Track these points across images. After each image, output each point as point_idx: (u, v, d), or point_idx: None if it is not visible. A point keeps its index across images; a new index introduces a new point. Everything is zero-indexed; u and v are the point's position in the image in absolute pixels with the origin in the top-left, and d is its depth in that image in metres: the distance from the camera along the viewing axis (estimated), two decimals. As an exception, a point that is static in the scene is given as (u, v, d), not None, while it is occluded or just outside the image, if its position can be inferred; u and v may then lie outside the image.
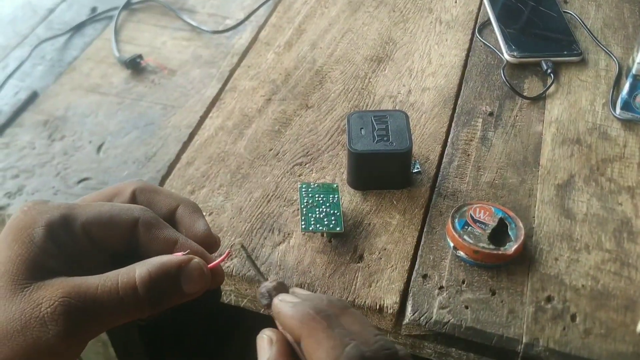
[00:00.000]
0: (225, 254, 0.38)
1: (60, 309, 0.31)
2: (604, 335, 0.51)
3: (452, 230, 0.55)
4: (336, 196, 0.58)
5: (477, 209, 0.57)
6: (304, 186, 0.59)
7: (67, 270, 0.34)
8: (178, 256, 0.35)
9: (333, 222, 0.56)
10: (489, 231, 0.55)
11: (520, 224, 0.56)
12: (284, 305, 0.34)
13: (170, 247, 0.36)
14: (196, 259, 0.35)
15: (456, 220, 0.56)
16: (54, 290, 0.32)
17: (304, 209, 0.57)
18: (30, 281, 0.32)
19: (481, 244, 0.54)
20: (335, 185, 0.59)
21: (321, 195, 0.58)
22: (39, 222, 0.34)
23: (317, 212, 0.56)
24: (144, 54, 0.78)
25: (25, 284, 0.32)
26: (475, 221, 0.56)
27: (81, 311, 0.32)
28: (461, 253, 0.55)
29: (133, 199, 0.38)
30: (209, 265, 0.36)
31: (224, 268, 0.55)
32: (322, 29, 0.83)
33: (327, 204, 0.57)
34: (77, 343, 0.33)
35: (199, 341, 1.09)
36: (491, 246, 0.54)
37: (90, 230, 0.35)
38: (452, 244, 0.56)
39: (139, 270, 0.33)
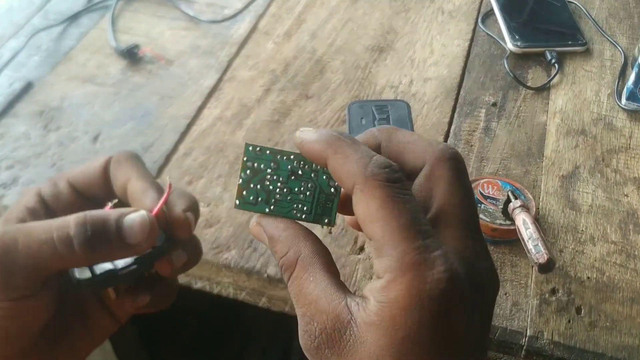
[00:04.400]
0: (167, 191, 0.35)
1: None
2: (610, 328, 0.50)
3: None
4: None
5: (485, 185, 0.57)
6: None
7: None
8: (126, 209, 0.33)
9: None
10: (500, 206, 0.55)
11: (529, 195, 0.56)
12: (306, 132, 0.32)
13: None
14: (145, 213, 0.33)
15: None
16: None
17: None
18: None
19: (498, 221, 0.54)
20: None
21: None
22: (33, 190, 0.37)
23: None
24: (141, 44, 0.76)
25: None
26: (485, 197, 0.56)
27: (10, 257, 0.32)
28: None
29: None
30: (154, 212, 0.34)
31: (222, 262, 0.54)
32: (322, 19, 0.82)
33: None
34: (8, 293, 0.32)
35: (196, 337, 1.08)
36: (507, 222, 0.54)
37: (74, 183, 0.37)
38: None
39: (74, 220, 0.32)
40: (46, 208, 0.36)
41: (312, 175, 0.33)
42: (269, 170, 0.32)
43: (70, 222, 0.32)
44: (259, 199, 0.33)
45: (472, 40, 0.79)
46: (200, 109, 0.69)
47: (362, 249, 0.55)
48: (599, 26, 0.79)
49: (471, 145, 0.64)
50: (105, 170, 0.37)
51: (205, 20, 0.81)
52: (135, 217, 0.33)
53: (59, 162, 0.63)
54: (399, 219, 0.28)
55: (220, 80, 0.73)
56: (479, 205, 0.55)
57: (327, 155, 0.30)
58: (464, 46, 0.77)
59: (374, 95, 0.70)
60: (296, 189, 0.32)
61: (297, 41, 0.78)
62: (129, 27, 0.81)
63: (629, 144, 0.65)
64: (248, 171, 0.33)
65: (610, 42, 0.77)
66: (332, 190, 0.33)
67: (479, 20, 0.81)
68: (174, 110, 0.69)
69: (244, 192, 0.33)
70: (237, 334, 1.11)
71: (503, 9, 0.81)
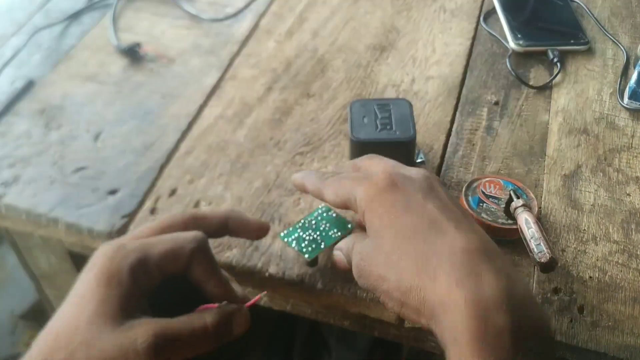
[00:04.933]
0: (257, 297, 0.46)
1: (153, 345, 0.39)
2: (612, 328, 0.49)
3: (469, 209, 0.55)
4: (339, 234, 0.52)
5: (487, 184, 0.57)
6: (322, 208, 0.55)
7: (144, 305, 0.42)
8: (233, 306, 0.44)
9: (310, 249, 0.51)
10: (502, 205, 0.55)
11: (532, 194, 0.56)
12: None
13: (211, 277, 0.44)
14: (243, 308, 0.45)
15: (470, 199, 0.55)
16: (147, 329, 0.39)
17: (301, 223, 0.54)
18: (124, 320, 0.40)
19: (500, 220, 0.54)
20: (350, 226, 0.53)
21: (327, 225, 0.53)
22: (124, 268, 0.41)
23: (308, 234, 0.53)
24: (143, 42, 0.76)
25: (121, 322, 0.40)
26: (487, 197, 0.56)
27: (167, 347, 0.40)
28: None
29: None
30: (247, 304, 0.45)
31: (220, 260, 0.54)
32: (324, 17, 0.82)
33: (323, 234, 0.53)
34: None
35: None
36: (510, 221, 0.54)
37: (161, 266, 0.42)
38: None
39: (211, 318, 0.43)
40: (139, 287, 0.42)
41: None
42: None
43: (208, 320, 0.42)
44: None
45: (474, 39, 0.78)
46: (201, 108, 0.69)
47: (363, 248, 0.54)
48: (601, 25, 0.79)
49: (473, 144, 0.64)
50: (190, 260, 0.43)
51: (207, 18, 0.81)
52: (240, 319, 0.45)
53: (60, 160, 0.63)
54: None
55: (221, 78, 0.73)
56: (482, 204, 0.55)
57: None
58: (466, 45, 0.77)
59: (376, 94, 0.70)
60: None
61: (298, 40, 0.78)
62: (130, 26, 0.81)
63: (631, 143, 0.64)
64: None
65: (613, 41, 0.77)
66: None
67: (481, 19, 0.81)
68: (175, 109, 0.69)
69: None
70: (237, 339, 1.11)
71: (505, 8, 0.81)
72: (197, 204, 0.58)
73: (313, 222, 0.54)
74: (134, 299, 0.41)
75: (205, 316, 0.43)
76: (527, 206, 0.54)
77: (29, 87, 0.72)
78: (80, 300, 0.41)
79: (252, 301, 0.46)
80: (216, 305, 0.44)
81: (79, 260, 0.68)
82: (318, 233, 0.53)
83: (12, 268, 1.19)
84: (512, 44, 0.76)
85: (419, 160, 0.62)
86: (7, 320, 1.17)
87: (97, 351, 0.39)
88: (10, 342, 1.17)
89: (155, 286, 0.43)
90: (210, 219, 0.47)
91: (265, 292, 0.48)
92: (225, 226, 0.48)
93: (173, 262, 0.43)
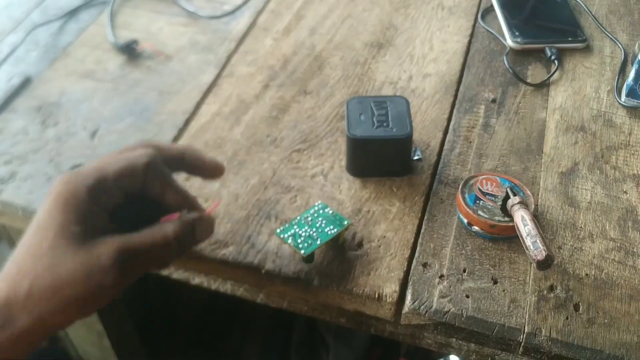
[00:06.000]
0: (215, 203, 0.52)
1: (117, 259, 0.41)
2: (608, 325, 0.50)
3: (465, 206, 0.55)
4: (335, 230, 0.53)
5: (484, 181, 0.57)
6: (319, 205, 0.55)
7: (106, 223, 0.44)
8: (194, 214, 0.46)
9: (306, 245, 0.51)
10: (499, 203, 0.55)
11: (528, 192, 0.56)
12: None
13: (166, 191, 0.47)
14: (204, 215, 0.47)
15: (466, 196, 0.55)
16: (110, 246, 0.42)
17: (297, 219, 0.54)
18: (86, 240, 0.42)
19: (496, 218, 0.54)
20: (346, 223, 0.54)
21: (324, 221, 0.54)
22: (81, 189, 0.43)
23: (304, 230, 0.53)
24: (140, 39, 0.76)
25: (84, 241, 0.42)
26: (484, 194, 0.56)
27: (131, 260, 0.42)
28: (476, 228, 0.55)
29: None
30: (208, 210, 0.48)
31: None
32: (321, 15, 0.82)
33: (319, 231, 0.53)
34: (123, 283, 0.43)
35: (195, 332, 1.08)
36: (506, 218, 0.54)
37: (119, 183, 0.44)
38: (465, 220, 0.55)
39: (172, 228, 0.44)
40: (98, 205, 0.44)
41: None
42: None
43: (169, 230, 0.44)
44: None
45: (471, 36, 0.78)
46: (198, 105, 0.69)
47: (360, 245, 0.55)
48: (599, 23, 0.79)
49: (470, 142, 0.64)
50: (145, 174, 0.45)
51: (205, 16, 0.81)
52: (202, 225, 0.47)
53: (57, 157, 0.63)
54: None
55: (218, 76, 0.73)
56: (478, 201, 0.55)
57: None
58: (463, 42, 0.77)
59: (373, 91, 0.70)
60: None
61: (296, 37, 0.78)
62: (127, 23, 0.81)
63: (629, 141, 0.64)
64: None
65: (610, 38, 0.77)
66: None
67: (479, 16, 0.81)
68: (172, 106, 0.69)
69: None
70: (236, 328, 1.11)
71: (503, 5, 0.81)
72: (193, 201, 0.58)
73: (309, 218, 0.54)
74: (95, 219, 0.43)
75: (166, 227, 0.45)
76: (523, 203, 0.54)
77: (26, 83, 0.72)
78: (40, 228, 0.42)
79: (211, 207, 0.50)
80: (177, 215, 0.46)
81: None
82: (314, 229, 0.53)
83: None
84: (509, 42, 0.75)
85: (415, 158, 0.62)
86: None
87: (62, 273, 0.41)
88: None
89: (116, 206, 0.45)
90: (167, 151, 0.48)
91: (220, 200, 0.55)
92: (182, 160, 0.48)
93: (129, 178, 0.45)
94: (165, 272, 0.58)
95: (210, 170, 0.50)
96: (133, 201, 0.46)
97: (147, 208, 0.47)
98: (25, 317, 0.41)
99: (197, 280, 0.58)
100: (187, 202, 0.47)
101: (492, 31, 0.78)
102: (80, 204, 0.42)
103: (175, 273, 0.58)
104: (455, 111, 0.68)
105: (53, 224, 0.42)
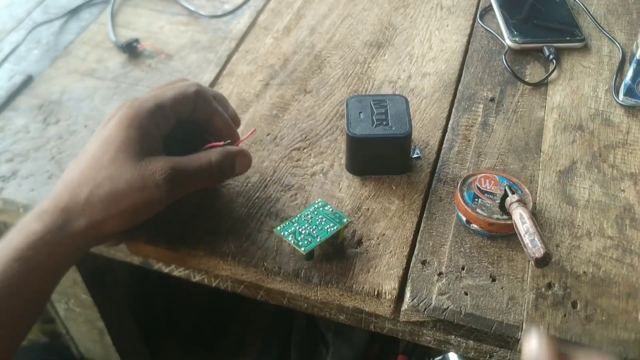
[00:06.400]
0: (250, 132, 0.58)
1: (169, 177, 0.48)
2: (605, 323, 0.50)
3: (464, 204, 0.55)
4: (335, 227, 0.53)
5: (482, 179, 0.57)
6: (319, 203, 0.56)
7: (160, 146, 0.50)
8: (235, 149, 0.53)
9: (306, 242, 0.52)
10: (498, 201, 0.55)
11: (527, 190, 0.57)
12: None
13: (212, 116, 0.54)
14: (244, 152, 0.54)
15: (465, 194, 0.56)
16: (164, 164, 0.48)
17: (297, 217, 0.54)
18: (144, 157, 0.48)
19: (495, 216, 0.54)
20: (346, 220, 0.54)
21: (323, 219, 0.54)
22: (143, 112, 0.49)
23: (304, 228, 0.53)
24: (141, 38, 0.76)
25: (142, 158, 0.48)
26: (483, 192, 0.56)
27: (179, 179, 0.49)
28: (475, 226, 0.55)
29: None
30: (240, 140, 0.57)
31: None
32: (321, 14, 0.82)
33: (319, 228, 0.53)
34: (172, 198, 0.49)
35: (195, 330, 1.08)
36: (504, 216, 0.54)
37: (174, 109, 0.51)
38: (464, 218, 0.55)
39: (213, 157, 0.51)
40: (157, 128, 0.50)
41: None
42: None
43: (213, 158, 0.51)
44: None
45: (470, 35, 0.79)
46: (199, 104, 0.69)
47: (360, 242, 0.55)
48: (597, 22, 0.80)
49: (469, 140, 0.65)
50: (195, 100, 0.53)
51: (205, 14, 0.82)
52: (243, 158, 0.54)
53: (58, 155, 0.63)
54: None
55: (219, 75, 0.73)
56: (477, 199, 0.56)
57: None
58: (462, 42, 0.78)
59: (373, 90, 0.70)
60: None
61: (296, 36, 0.78)
62: (128, 22, 0.81)
63: (626, 140, 0.65)
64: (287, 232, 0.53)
65: (609, 38, 0.77)
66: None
67: (478, 16, 0.82)
68: (173, 105, 0.69)
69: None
70: (237, 326, 1.11)
71: (502, 5, 0.81)
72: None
73: (309, 216, 0.54)
74: (153, 140, 0.49)
75: (210, 154, 0.51)
76: (522, 201, 0.54)
77: (27, 82, 0.72)
78: (103, 142, 0.48)
79: (246, 136, 0.57)
80: (221, 143, 0.53)
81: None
82: (314, 227, 0.53)
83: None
84: (508, 41, 0.76)
85: (415, 156, 0.62)
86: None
87: (120, 184, 0.47)
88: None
89: (169, 130, 0.51)
90: (207, 100, 0.54)
91: (254, 130, 0.61)
92: (214, 114, 0.55)
93: (183, 104, 0.52)
94: (165, 269, 0.59)
95: (232, 116, 0.57)
96: (182, 129, 0.53)
97: (194, 137, 0.54)
98: (82, 221, 0.47)
99: (197, 277, 0.59)
100: (229, 128, 0.55)
101: (490, 30, 0.79)
102: (141, 125, 0.48)
103: (176, 271, 0.59)
104: (454, 110, 0.68)
105: (117, 139, 0.48)
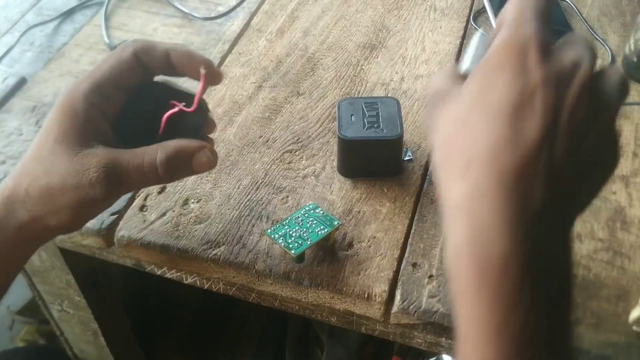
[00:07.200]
0: (202, 78, 0.46)
1: (103, 175, 0.43)
2: (595, 325, 0.50)
3: None
4: (326, 230, 0.53)
5: None
6: (310, 206, 0.56)
7: (107, 132, 0.46)
8: (192, 144, 0.45)
9: (296, 245, 0.52)
10: None
11: None
12: None
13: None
14: (206, 149, 0.46)
15: None
16: (99, 160, 0.43)
17: (288, 219, 0.54)
18: (81, 148, 0.44)
19: None
20: (336, 223, 0.54)
21: (314, 222, 0.54)
22: (77, 97, 0.44)
23: (294, 230, 0.53)
24: (135, 40, 0.76)
25: (78, 150, 0.43)
26: None
27: (116, 178, 0.44)
28: None
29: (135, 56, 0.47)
30: (196, 99, 0.46)
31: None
32: (314, 16, 0.82)
33: (310, 231, 0.53)
34: (112, 198, 0.46)
35: (190, 331, 1.08)
36: None
37: (114, 82, 0.46)
38: None
39: (159, 155, 0.44)
40: (92, 104, 0.45)
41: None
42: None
43: (159, 157, 0.44)
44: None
45: (463, 37, 0.79)
46: (192, 106, 0.69)
47: (350, 245, 0.55)
48: (589, 25, 0.80)
49: (461, 143, 0.65)
50: (138, 63, 0.46)
51: (199, 17, 0.82)
52: (202, 157, 0.46)
53: (51, 158, 0.63)
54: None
55: (212, 76, 0.73)
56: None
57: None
58: (455, 44, 0.78)
59: (365, 93, 0.70)
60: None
61: (289, 38, 0.78)
62: (122, 24, 0.81)
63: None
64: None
65: (598, 40, 0.77)
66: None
67: (471, 18, 0.82)
68: (166, 107, 0.69)
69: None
70: (232, 327, 1.11)
71: (495, 7, 0.81)
72: (185, 201, 0.59)
73: (300, 219, 0.54)
74: (94, 126, 0.45)
75: (158, 150, 0.45)
76: None
77: (20, 84, 0.72)
78: (44, 133, 0.45)
79: (200, 86, 0.46)
80: (176, 109, 0.46)
81: (70, 257, 0.68)
82: (305, 229, 0.53)
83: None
84: (501, 43, 0.76)
85: (406, 159, 0.62)
86: (4, 316, 1.17)
87: (55, 178, 0.43)
88: (8, 337, 1.17)
89: (119, 108, 0.46)
90: (154, 50, 0.47)
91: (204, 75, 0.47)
92: (167, 58, 0.47)
93: (124, 72, 0.46)
94: (157, 271, 0.59)
95: (197, 65, 0.47)
96: (143, 101, 0.47)
97: (160, 107, 0.46)
98: (24, 212, 0.44)
99: (189, 279, 0.59)
100: (191, 61, 0.46)
101: (484, 33, 0.79)
102: (77, 112, 0.44)
103: (168, 273, 0.59)
104: (446, 112, 0.68)
105: (54, 130, 0.44)
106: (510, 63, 0.33)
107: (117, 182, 0.44)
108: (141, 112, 0.47)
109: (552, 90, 0.32)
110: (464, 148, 0.34)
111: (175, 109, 0.46)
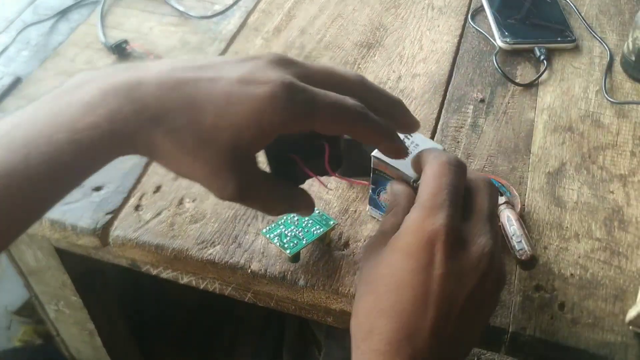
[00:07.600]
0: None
1: (236, 195, 0.41)
2: (592, 325, 0.50)
3: None
4: (321, 230, 0.53)
5: None
6: None
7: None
8: (306, 200, 0.46)
9: (292, 244, 0.52)
10: None
11: (515, 192, 0.57)
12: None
13: None
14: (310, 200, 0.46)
15: None
16: (239, 183, 0.40)
17: (284, 219, 0.54)
18: (236, 161, 0.40)
19: None
20: (332, 223, 0.54)
21: (310, 222, 0.54)
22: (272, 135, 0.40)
23: (290, 230, 0.53)
24: (131, 39, 0.76)
25: (233, 161, 0.40)
26: None
27: (244, 201, 0.42)
28: None
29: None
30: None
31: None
32: (311, 15, 0.82)
33: (305, 231, 0.53)
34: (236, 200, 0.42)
35: (187, 332, 1.08)
36: None
37: (257, 145, 0.41)
38: None
39: (280, 208, 0.45)
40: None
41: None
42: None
43: (276, 206, 0.44)
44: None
45: (461, 36, 0.79)
46: (188, 105, 0.69)
47: (346, 245, 0.55)
48: (588, 24, 0.79)
49: (458, 142, 0.64)
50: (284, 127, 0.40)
51: (195, 15, 0.81)
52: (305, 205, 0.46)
53: (46, 157, 0.63)
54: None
55: (208, 75, 0.73)
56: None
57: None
58: (453, 42, 0.77)
59: (362, 92, 0.70)
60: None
61: (286, 37, 0.78)
62: (118, 23, 0.81)
63: (616, 141, 0.65)
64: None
65: (597, 39, 0.77)
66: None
67: (469, 16, 0.81)
68: (162, 106, 0.69)
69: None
70: (228, 327, 1.11)
71: (493, 5, 0.81)
72: (181, 201, 0.59)
73: (295, 218, 0.54)
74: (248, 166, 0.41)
75: (284, 194, 0.44)
76: (509, 203, 0.54)
77: (16, 83, 0.72)
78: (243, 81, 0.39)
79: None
80: (314, 176, 0.45)
81: (66, 257, 0.68)
82: (300, 229, 0.53)
83: (5, 265, 1.20)
84: (499, 42, 0.76)
85: (403, 158, 0.62)
86: (2, 316, 1.17)
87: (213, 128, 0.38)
88: (6, 337, 1.17)
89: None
90: (309, 71, 0.42)
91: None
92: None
93: (265, 139, 0.40)
94: (153, 271, 0.59)
95: (392, 108, 0.46)
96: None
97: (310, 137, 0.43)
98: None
99: (185, 279, 0.58)
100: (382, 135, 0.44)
101: (481, 31, 0.79)
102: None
103: (164, 273, 0.58)
104: (443, 111, 0.68)
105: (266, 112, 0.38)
106: (418, 254, 0.39)
107: (243, 203, 0.43)
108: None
109: (450, 287, 0.38)
110: (371, 319, 0.40)
111: (312, 175, 0.45)
